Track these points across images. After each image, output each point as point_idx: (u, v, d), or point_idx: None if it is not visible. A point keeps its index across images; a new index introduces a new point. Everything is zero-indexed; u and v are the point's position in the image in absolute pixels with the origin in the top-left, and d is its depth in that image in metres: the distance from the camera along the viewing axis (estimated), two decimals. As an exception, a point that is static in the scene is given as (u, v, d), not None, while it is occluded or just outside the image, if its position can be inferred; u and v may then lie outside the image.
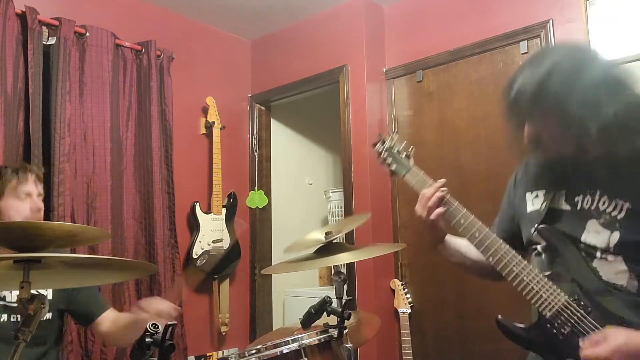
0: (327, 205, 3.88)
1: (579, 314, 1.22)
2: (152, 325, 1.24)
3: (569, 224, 1.29)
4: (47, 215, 2.59)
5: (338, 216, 3.74)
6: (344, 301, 1.61)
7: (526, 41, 2.75)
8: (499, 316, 1.35)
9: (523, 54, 2.76)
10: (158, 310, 1.69)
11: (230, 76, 3.74)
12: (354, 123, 3.22)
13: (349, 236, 3.05)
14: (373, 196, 3.13)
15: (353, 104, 3.24)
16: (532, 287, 1.27)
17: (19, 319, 1.75)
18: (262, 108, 3.86)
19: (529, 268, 1.29)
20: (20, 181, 1.83)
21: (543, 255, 1.34)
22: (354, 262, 3.05)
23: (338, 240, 1.77)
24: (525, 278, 1.28)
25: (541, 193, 1.38)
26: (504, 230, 1.49)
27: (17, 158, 2.52)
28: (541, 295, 1.26)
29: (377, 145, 1.62)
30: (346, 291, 1.71)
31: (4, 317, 1.78)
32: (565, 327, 1.23)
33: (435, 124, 3.08)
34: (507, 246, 1.32)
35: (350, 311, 1.59)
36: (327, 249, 1.71)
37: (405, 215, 3.16)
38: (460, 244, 1.54)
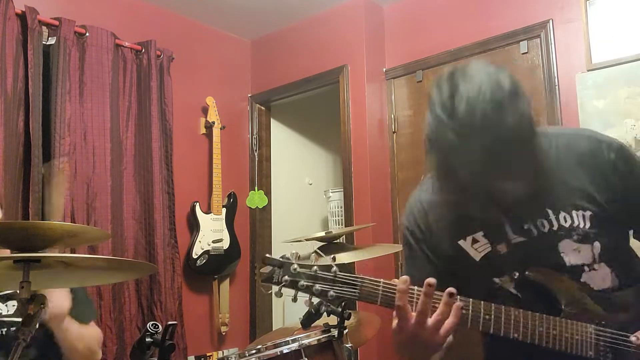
0: (327, 205, 3.88)
1: (610, 334, 1.13)
2: (152, 325, 1.23)
3: (536, 255, 1.16)
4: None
5: (338, 216, 3.74)
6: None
7: (526, 41, 2.75)
8: None
9: (523, 53, 2.76)
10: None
11: (230, 76, 3.74)
12: (354, 123, 3.22)
13: (349, 236, 3.05)
14: (373, 196, 3.13)
15: (353, 104, 3.24)
16: (563, 337, 1.09)
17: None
18: (262, 108, 3.86)
19: (545, 318, 1.10)
20: None
21: (521, 296, 1.17)
22: (353, 262, 3.04)
23: (338, 241, 1.77)
24: (552, 331, 1.09)
25: (479, 235, 1.18)
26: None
27: (17, 158, 2.52)
28: (575, 339, 1.10)
29: (282, 274, 1.05)
30: (346, 291, 1.70)
31: (3, 330, 1.77)
32: (608, 355, 1.12)
33: (435, 124, 3.07)
34: (519, 310, 1.10)
35: (350, 311, 1.59)
36: (327, 248, 1.72)
37: (405, 215, 3.16)
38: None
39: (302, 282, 1.03)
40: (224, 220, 3.40)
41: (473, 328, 1.06)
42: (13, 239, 1.20)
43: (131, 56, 3.04)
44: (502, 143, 0.99)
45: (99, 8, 3.03)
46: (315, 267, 1.04)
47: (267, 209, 3.80)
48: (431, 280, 1.02)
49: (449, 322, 1.02)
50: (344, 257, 1.72)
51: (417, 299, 1.03)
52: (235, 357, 1.48)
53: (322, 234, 1.77)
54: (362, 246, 1.91)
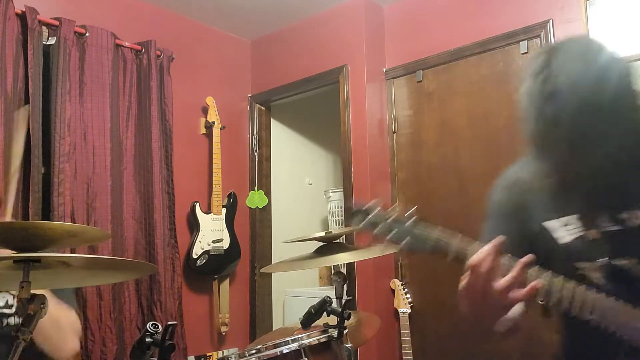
0: (327, 205, 3.88)
1: None
2: (152, 325, 1.23)
3: (628, 245, 1.11)
4: (47, 216, 2.60)
5: (338, 216, 3.74)
6: (344, 301, 1.62)
7: (526, 41, 2.75)
8: None
9: (523, 53, 2.76)
10: None
11: (230, 76, 3.74)
12: (354, 123, 3.22)
13: (349, 236, 3.05)
14: (373, 196, 3.13)
15: (353, 104, 3.24)
16: None
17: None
18: (262, 108, 3.86)
19: (628, 309, 1.04)
20: None
21: (604, 283, 1.12)
22: (353, 262, 3.04)
23: (338, 241, 1.77)
24: (634, 324, 1.02)
25: (572, 219, 1.15)
26: None
27: (17, 158, 2.52)
28: None
29: (361, 220, 1.12)
30: (346, 291, 1.71)
31: None
32: None
33: (435, 124, 3.08)
34: (598, 295, 1.04)
35: (350, 311, 1.59)
36: (327, 248, 1.71)
37: (405, 215, 3.16)
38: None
39: (380, 228, 1.08)
40: (224, 220, 3.40)
41: (545, 302, 1.04)
42: (13, 239, 1.20)
43: (131, 56, 3.04)
44: (608, 124, 0.98)
45: (99, 8, 3.03)
46: (394, 216, 1.09)
47: (267, 209, 3.80)
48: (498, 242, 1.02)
49: (521, 292, 1.01)
50: (344, 257, 1.72)
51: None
52: (235, 357, 1.48)
53: (322, 234, 1.77)
54: (362, 246, 1.91)
